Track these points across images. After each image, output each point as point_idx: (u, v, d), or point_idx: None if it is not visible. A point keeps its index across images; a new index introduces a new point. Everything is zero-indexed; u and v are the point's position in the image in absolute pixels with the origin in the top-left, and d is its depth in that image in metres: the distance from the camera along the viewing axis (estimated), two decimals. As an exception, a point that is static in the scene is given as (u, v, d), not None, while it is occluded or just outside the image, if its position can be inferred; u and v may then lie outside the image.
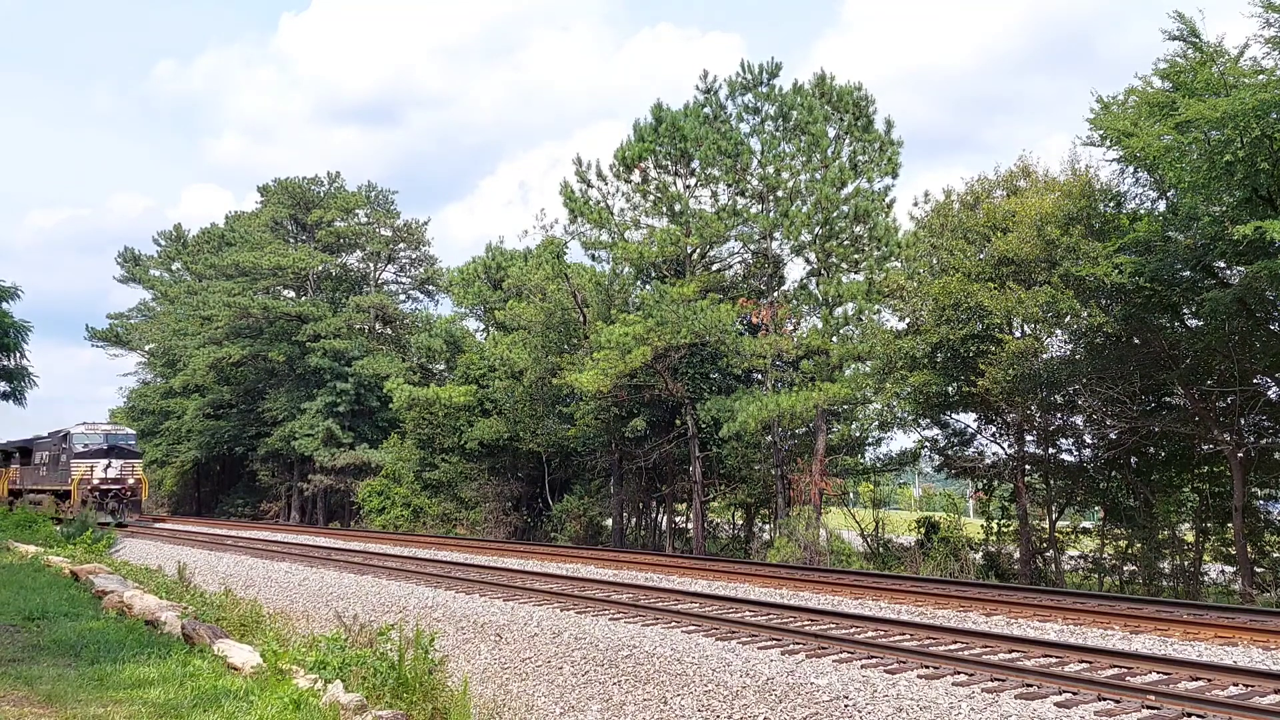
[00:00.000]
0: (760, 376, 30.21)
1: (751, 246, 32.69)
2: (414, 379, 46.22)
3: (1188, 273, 21.18)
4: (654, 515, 37.03)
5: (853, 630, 13.28)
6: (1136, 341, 22.60)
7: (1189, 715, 8.55)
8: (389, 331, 56.77)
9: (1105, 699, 9.08)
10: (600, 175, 32.91)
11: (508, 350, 37.65)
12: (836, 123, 31.43)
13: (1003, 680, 9.93)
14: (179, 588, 17.11)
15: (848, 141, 31.40)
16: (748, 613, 14.98)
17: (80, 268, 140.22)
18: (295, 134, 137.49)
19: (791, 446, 29.57)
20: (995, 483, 27.90)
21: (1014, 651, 11.57)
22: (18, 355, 27.42)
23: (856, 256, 30.06)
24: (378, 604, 17.07)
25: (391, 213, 60.60)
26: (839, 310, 29.19)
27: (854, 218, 29.75)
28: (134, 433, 46.39)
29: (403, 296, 61.31)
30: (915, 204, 31.06)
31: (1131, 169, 23.36)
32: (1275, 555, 22.07)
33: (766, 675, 10.55)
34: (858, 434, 32.00)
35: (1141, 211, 23.73)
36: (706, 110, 32.49)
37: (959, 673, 10.27)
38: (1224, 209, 20.07)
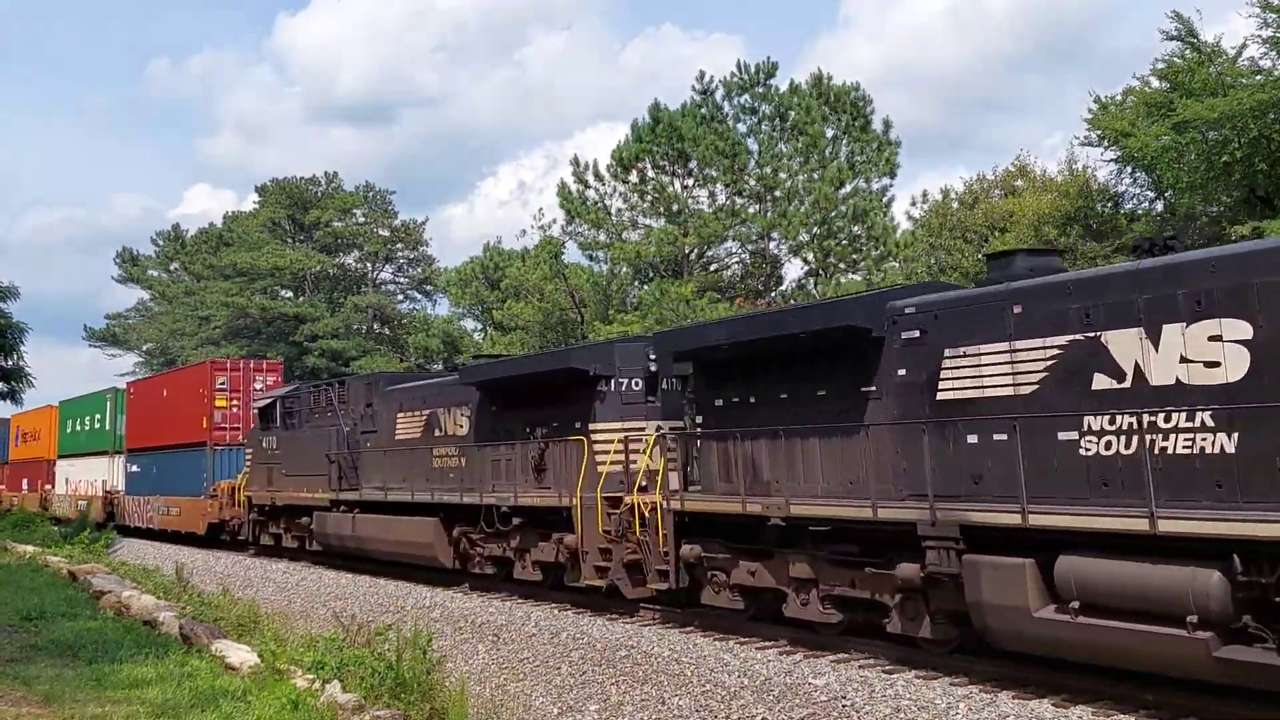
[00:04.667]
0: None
1: (749, 246, 32.72)
2: (412, 379, 46.21)
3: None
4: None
5: (851, 630, 13.23)
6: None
7: (1186, 715, 8.54)
8: (386, 331, 56.80)
9: (1103, 698, 9.06)
10: (598, 176, 32.93)
11: (505, 350, 37.69)
12: (834, 123, 31.48)
13: (1000, 680, 9.91)
14: (177, 588, 17.10)
15: (845, 142, 31.46)
16: (746, 613, 14.94)
17: (77, 267, 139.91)
18: (292, 133, 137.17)
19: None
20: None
21: (1012, 651, 11.49)
22: (15, 356, 27.34)
23: (854, 256, 30.10)
24: (375, 604, 17.06)
25: (389, 213, 60.65)
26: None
27: (852, 218, 29.80)
28: None
29: (400, 297, 61.37)
30: (914, 204, 31.15)
31: (1129, 169, 23.40)
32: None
33: (764, 675, 10.55)
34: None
35: (1139, 211, 23.78)
36: (704, 111, 32.53)
37: (956, 673, 10.26)
38: (1221, 209, 20.11)
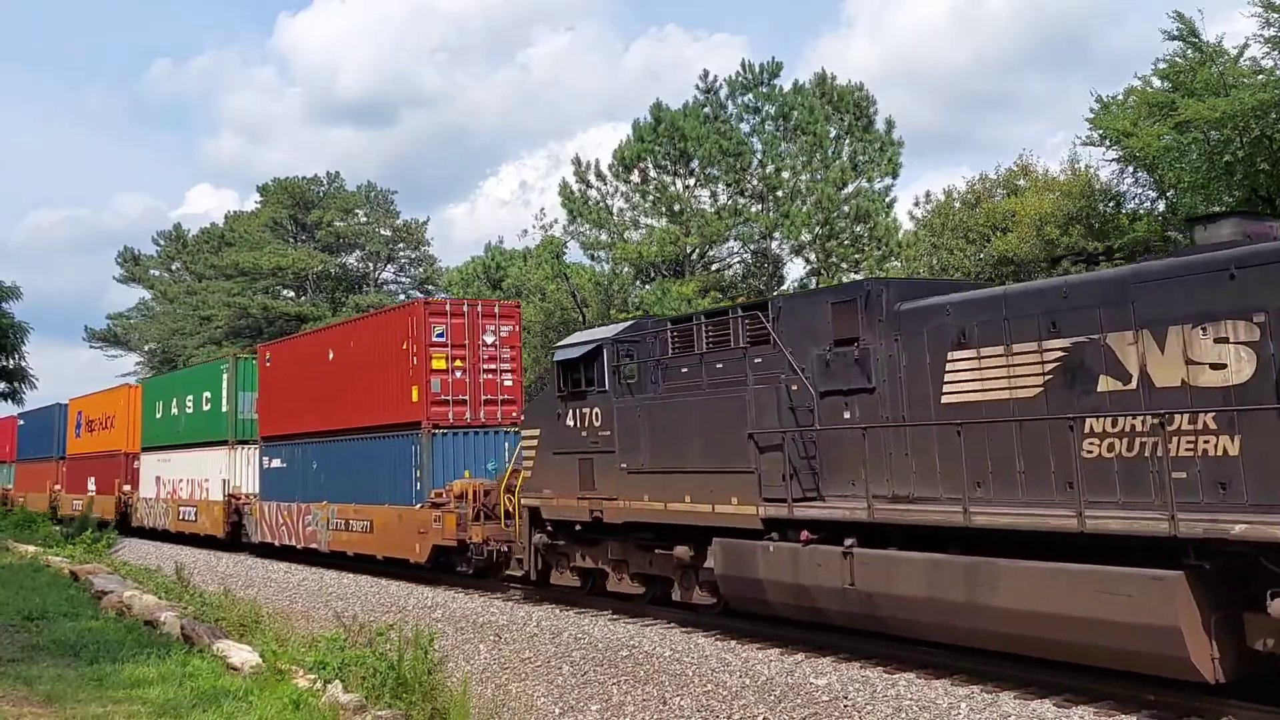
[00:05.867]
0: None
1: (751, 246, 32.74)
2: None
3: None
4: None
5: (852, 630, 13.15)
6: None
7: (1187, 715, 8.53)
8: (388, 331, 56.82)
9: (1104, 699, 9.05)
10: (600, 175, 32.97)
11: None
12: (837, 123, 31.51)
13: (1002, 680, 9.90)
14: (178, 588, 17.12)
15: (848, 142, 31.48)
16: (747, 613, 14.88)
17: (79, 267, 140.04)
18: (293, 133, 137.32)
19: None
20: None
21: (1014, 651, 11.41)
22: (17, 356, 27.41)
23: (857, 256, 30.13)
24: (377, 604, 17.07)
25: (391, 213, 60.77)
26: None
27: (854, 217, 29.84)
28: None
29: (402, 296, 61.37)
30: (916, 204, 31.15)
31: (1131, 169, 23.38)
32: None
33: (766, 675, 10.55)
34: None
35: (1141, 211, 23.77)
36: (706, 110, 32.55)
37: (958, 672, 10.24)
38: (1223, 209, 20.10)
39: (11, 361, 27.43)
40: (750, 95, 32.59)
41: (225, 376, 27.36)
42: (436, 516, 18.06)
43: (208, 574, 21.90)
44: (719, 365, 13.02)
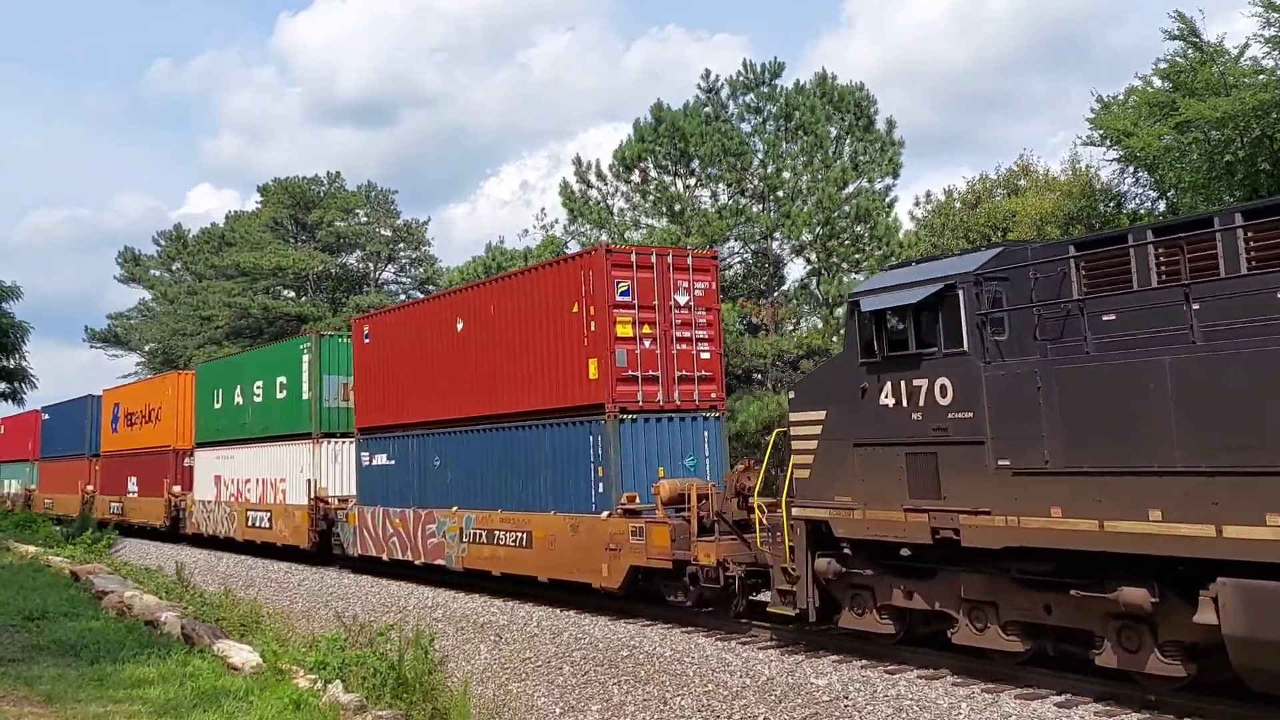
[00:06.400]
0: (761, 377, 30.26)
1: (752, 246, 32.72)
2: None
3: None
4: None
5: (852, 630, 13.13)
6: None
7: (1188, 715, 8.52)
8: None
9: (1106, 699, 9.05)
10: (600, 175, 32.97)
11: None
12: (838, 123, 31.50)
13: (1003, 680, 9.90)
14: (178, 588, 17.13)
15: (849, 141, 31.48)
16: (748, 613, 14.88)
17: (79, 267, 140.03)
18: (294, 133, 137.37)
19: (792, 447, 29.59)
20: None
21: (1014, 651, 11.38)
22: (18, 356, 27.44)
23: (857, 256, 30.11)
24: (377, 604, 17.07)
25: (391, 213, 60.76)
26: (840, 310, 29.28)
27: (855, 217, 29.82)
28: None
29: (403, 296, 61.37)
30: (916, 204, 31.15)
31: (1131, 169, 23.40)
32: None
33: (766, 675, 10.55)
34: (858, 434, 31.95)
35: (1142, 211, 23.79)
36: (708, 110, 32.54)
37: (958, 672, 10.24)
38: (1224, 209, 20.12)
39: (12, 361, 27.46)
40: (752, 95, 32.57)
41: (306, 357, 23.35)
42: (637, 528, 13.90)
43: (208, 574, 21.90)
44: (1199, 305, 8.59)
